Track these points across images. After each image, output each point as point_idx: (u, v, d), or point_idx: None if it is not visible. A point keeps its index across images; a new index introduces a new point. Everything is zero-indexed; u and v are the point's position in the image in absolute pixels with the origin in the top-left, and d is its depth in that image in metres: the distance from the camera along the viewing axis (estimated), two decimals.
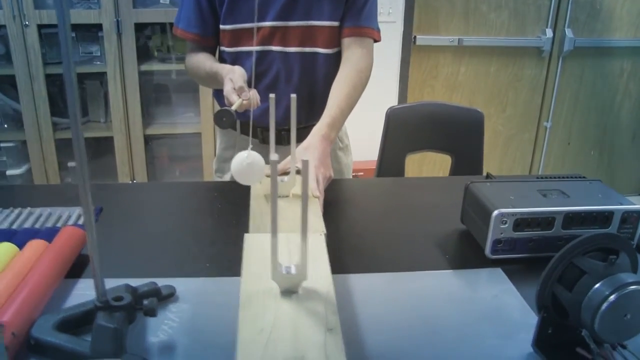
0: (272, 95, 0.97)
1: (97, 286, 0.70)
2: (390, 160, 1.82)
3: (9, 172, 2.74)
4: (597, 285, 0.65)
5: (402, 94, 2.98)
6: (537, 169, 3.42)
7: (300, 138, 1.15)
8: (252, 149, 1.43)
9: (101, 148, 2.88)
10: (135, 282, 0.80)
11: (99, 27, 2.52)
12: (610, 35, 3.20)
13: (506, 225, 0.92)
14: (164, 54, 2.78)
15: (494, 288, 0.88)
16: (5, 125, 2.76)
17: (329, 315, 0.66)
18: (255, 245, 0.83)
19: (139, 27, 2.58)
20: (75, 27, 2.54)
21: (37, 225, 1.05)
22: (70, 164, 2.91)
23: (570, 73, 3.24)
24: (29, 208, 1.11)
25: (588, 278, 0.66)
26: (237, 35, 1.36)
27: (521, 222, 0.92)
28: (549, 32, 3.10)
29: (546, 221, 0.93)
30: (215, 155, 1.64)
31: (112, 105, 2.66)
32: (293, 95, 0.94)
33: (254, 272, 0.75)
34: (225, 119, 1.08)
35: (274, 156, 0.64)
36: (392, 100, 2.95)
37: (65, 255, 0.88)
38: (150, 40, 2.79)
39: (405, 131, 1.82)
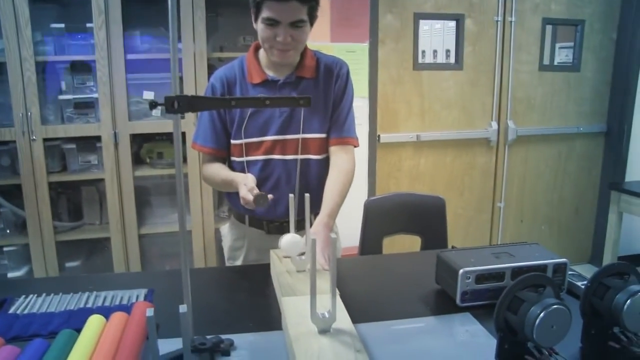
0: (291, 195, 1.32)
1: (186, 338, 0.98)
2: (370, 243, 2.15)
3: (10, 275, 2.88)
4: (532, 308, 0.97)
5: (372, 186, 3.32)
6: (495, 243, 3.77)
7: (299, 227, 1.45)
8: (258, 238, 1.76)
9: (97, 248, 3.07)
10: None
11: (97, 138, 2.77)
12: (546, 124, 3.69)
13: (470, 280, 1.25)
14: (154, 160, 3.02)
15: (465, 326, 1.20)
16: (8, 231, 2.91)
17: (355, 342, 0.97)
18: (291, 304, 1.14)
19: (132, 137, 2.82)
20: (76, 140, 2.81)
21: (107, 304, 1.32)
22: (69, 263, 3.09)
23: (516, 158, 3.68)
24: (95, 292, 1.38)
25: (526, 304, 0.98)
26: (246, 147, 1.67)
27: (481, 277, 1.25)
28: (494, 125, 3.55)
29: (499, 275, 1.26)
30: (219, 247, 1.91)
31: (109, 208, 2.85)
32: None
33: (295, 321, 1.06)
34: (262, 201, 1.42)
35: (314, 236, 0.96)
36: (363, 193, 3.29)
37: (144, 323, 1.15)
38: (142, 148, 3.04)
39: (381, 218, 2.15)
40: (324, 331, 1.01)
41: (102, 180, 2.85)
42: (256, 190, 1.47)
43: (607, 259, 3.45)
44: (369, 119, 3.24)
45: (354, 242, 2.19)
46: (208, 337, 1.06)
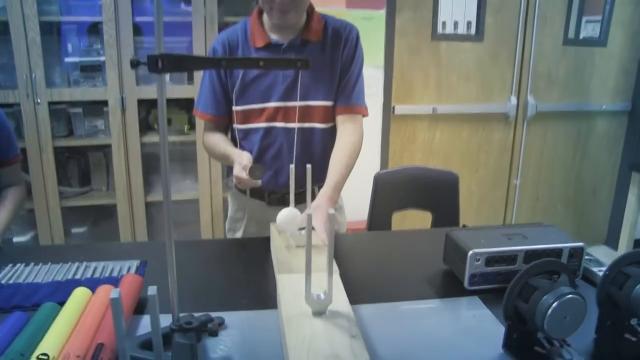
0: (292, 166, 1.24)
1: (173, 313, 0.92)
2: (379, 218, 2.08)
3: (15, 239, 2.86)
4: (544, 297, 0.89)
5: (384, 159, 3.25)
6: (510, 223, 3.69)
7: (301, 200, 1.39)
8: (259, 210, 1.70)
9: (103, 215, 3.04)
10: (191, 314, 1.02)
11: (104, 103, 2.72)
12: (567, 101, 3.56)
13: (479, 262, 1.17)
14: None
15: (472, 310, 1.12)
16: None
17: (351, 327, 0.90)
18: (286, 282, 1.07)
19: (140, 102, 2.77)
20: (82, 104, 2.76)
21: (96, 276, 1.27)
22: (75, 229, 3.08)
23: (534, 135, 3.57)
24: (85, 262, 1.33)
25: (538, 292, 0.91)
26: (247, 114, 1.61)
27: (491, 260, 1.17)
28: (514, 100, 3.44)
29: (510, 258, 1.18)
30: (227, 217, 1.86)
31: (115, 175, 2.82)
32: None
33: (290, 301, 0.99)
34: (257, 172, 1.37)
35: (309, 211, 0.89)
36: (376, 165, 3.22)
37: (132, 297, 1.10)
38: (150, 114, 2.99)
39: (390, 192, 2.08)
40: (318, 313, 0.94)
41: (109, 146, 2.82)
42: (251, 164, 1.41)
43: (624, 241, 3.36)
44: (384, 90, 3.15)
45: (363, 216, 2.12)
46: (197, 314, 1.00)
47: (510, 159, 3.59)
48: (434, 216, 2.11)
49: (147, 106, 2.94)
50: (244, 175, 1.39)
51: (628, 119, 3.71)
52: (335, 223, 1.35)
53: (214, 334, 0.95)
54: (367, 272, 1.33)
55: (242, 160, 1.43)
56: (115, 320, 0.73)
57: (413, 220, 2.95)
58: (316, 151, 1.64)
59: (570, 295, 0.88)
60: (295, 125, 1.59)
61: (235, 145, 1.68)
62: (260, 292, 1.19)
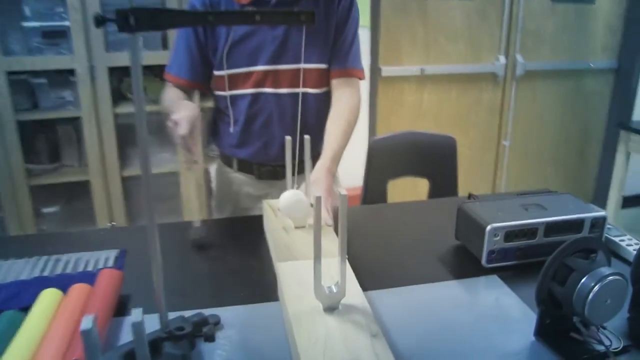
0: (288, 138, 1.11)
1: (162, 319, 0.80)
2: (374, 187, 1.97)
3: None
4: (584, 280, 0.79)
5: (372, 124, 3.14)
6: (500, 185, 3.63)
7: (297, 171, 1.24)
8: (248, 184, 1.57)
9: (76, 193, 2.86)
10: (181, 313, 0.90)
11: (71, 72, 2.51)
12: (555, 59, 3.47)
13: (498, 237, 1.06)
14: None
15: (494, 292, 1.02)
16: None
17: (370, 324, 0.79)
18: (288, 272, 0.95)
19: (112, 71, 2.58)
20: (46, 73, 2.55)
21: (68, 271, 1.11)
22: (46, 209, 2.91)
23: (523, 95, 3.48)
24: (54, 255, 1.18)
25: (576, 274, 0.81)
26: (233, 79, 1.46)
27: (510, 234, 1.07)
28: (502, 59, 3.33)
29: (531, 231, 1.08)
30: (209, 190, 1.73)
31: (88, 149, 2.63)
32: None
33: (295, 294, 0.88)
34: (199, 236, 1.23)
35: (316, 192, 0.77)
36: (363, 130, 3.11)
37: (110, 296, 0.97)
38: (122, 83, 2.79)
39: (386, 160, 1.97)
40: (330, 309, 0.83)
41: (79, 118, 2.61)
42: (183, 130, 1.19)
43: (613, 199, 3.32)
44: (370, 51, 3.03)
45: (355, 183, 2.01)
46: (187, 315, 0.89)
47: (500, 119, 3.50)
48: (431, 183, 2.01)
49: (118, 74, 2.75)
50: (178, 128, 1.20)
51: (614, 77, 3.65)
52: (334, 198, 1.22)
53: (210, 339, 0.83)
54: (371, 253, 1.21)
55: (179, 117, 1.22)
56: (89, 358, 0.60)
57: (408, 187, 2.85)
58: (310, 119, 1.51)
59: (612, 277, 0.78)
60: (286, 90, 1.46)
61: (219, 115, 1.55)
62: (258, 282, 1.07)
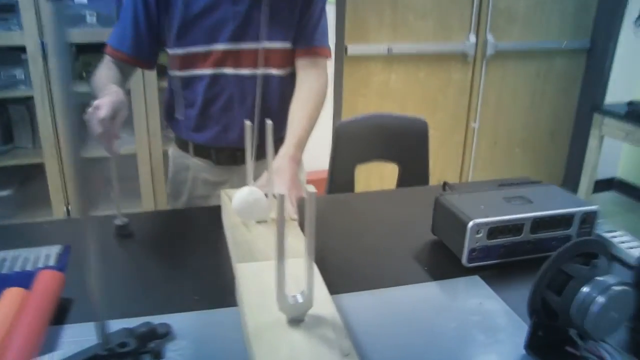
0: (248, 123, 0.98)
1: (101, 334, 0.68)
2: (341, 173, 1.86)
3: None
4: (584, 289, 0.70)
5: (338, 105, 3.02)
6: (468, 169, 3.56)
7: (257, 156, 1.13)
8: (205, 170, 1.44)
9: (30, 175, 2.74)
10: (126, 322, 0.78)
11: (21, 49, 2.36)
12: (527, 39, 3.39)
13: (481, 234, 0.97)
14: (92, 75, 2.67)
15: (476, 295, 0.93)
16: None
17: (341, 340, 0.69)
18: (249, 274, 0.84)
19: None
20: None
21: (3, 271, 0.99)
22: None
23: (493, 76, 3.39)
24: None
25: (575, 282, 0.72)
26: (189, 59, 1.33)
27: (494, 231, 0.98)
28: (472, 38, 3.23)
29: (516, 228, 0.99)
30: (167, 178, 1.60)
31: (41, 130, 2.50)
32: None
33: (255, 303, 0.76)
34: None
35: (280, 190, 0.65)
36: (328, 111, 2.99)
37: (48, 303, 0.85)
38: (77, 61, 2.66)
39: (353, 144, 1.86)
40: (296, 321, 0.72)
41: (31, 98, 2.47)
42: (103, 113, 1.05)
43: (585, 183, 3.29)
44: (336, 28, 2.88)
45: (320, 166, 1.90)
46: (132, 326, 0.77)
47: (469, 100, 3.41)
48: (400, 167, 1.91)
49: (73, 52, 2.59)
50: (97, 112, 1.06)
51: (587, 57, 3.58)
52: (298, 189, 1.11)
53: (157, 356, 0.71)
54: (339, 250, 1.10)
55: (109, 96, 1.09)
56: None
57: (377, 173, 2.76)
58: (273, 102, 1.39)
59: (617, 288, 0.69)
60: (248, 71, 1.33)
61: (174, 96, 1.42)
62: (214, 284, 0.95)
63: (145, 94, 2.53)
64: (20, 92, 2.49)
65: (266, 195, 1.02)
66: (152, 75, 2.45)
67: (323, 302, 0.76)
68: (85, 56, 2.64)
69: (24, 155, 2.65)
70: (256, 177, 1.12)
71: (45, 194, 2.64)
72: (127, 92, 1.35)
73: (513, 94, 3.50)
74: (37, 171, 2.64)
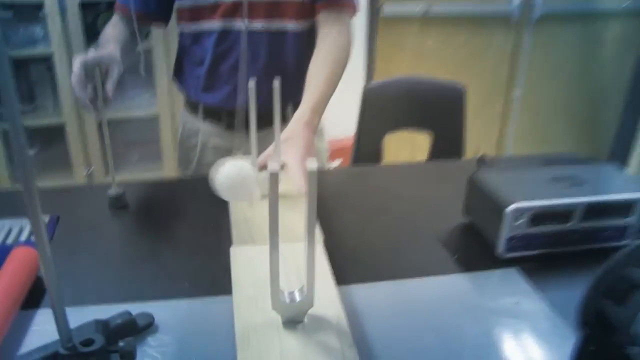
0: (251, 85, 0.84)
1: (60, 329, 0.57)
2: (368, 142, 1.72)
3: None
4: None
5: (369, 69, 2.86)
6: (506, 142, 3.37)
7: (267, 123, 1.00)
8: (216, 135, 1.32)
9: (53, 137, 2.67)
10: (103, 310, 0.68)
11: (38, 7, 2.30)
12: (579, 0, 3.13)
13: (522, 221, 0.82)
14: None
15: (513, 293, 0.78)
16: None
17: (345, 349, 0.56)
18: (244, 261, 0.72)
19: (85, 6, 2.38)
20: (13, 7, 2.35)
21: None
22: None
23: (539, 40, 3.15)
24: None
25: None
26: (196, 11, 1.22)
27: (538, 217, 0.83)
28: None
29: (564, 214, 0.84)
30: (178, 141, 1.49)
31: (60, 90, 2.45)
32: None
33: (247, 296, 0.64)
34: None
35: (273, 165, 0.52)
36: (359, 76, 2.84)
37: (20, 284, 0.75)
38: (98, 19, 2.54)
39: (383, 110, 1.71)
40: (293, 322, 0.60)
41: (51, 56, 2.40)
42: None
43: (636, 161, 3.07)
44: None
45: (346, 133, 1.77)
46: (107, 317, 0.65)
47: (511, 67, 3.20)
48: (433, 138, 1.76)
49: (93, 9, 2.49)
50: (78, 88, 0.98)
51: None
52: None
53: (129, 356, 0.60)
54: (355, 231, 0.97)
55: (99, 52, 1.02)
56: None
57: (407, 143, 2.60)
58: (288, 62, 1.25)
59: None
60: (261, 24, 1.20)
61: (184, 53, 1.30)
62: (211, 268, 0.83)
63: (167, 53, 2.42)
64: (40, 50, 2.43)
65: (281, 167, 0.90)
66: (173, 34, 2.34)
67: (328, 300, 0.63)
68: (105, 13, 2.55)
69: (46, 115, 2.61)
70: (268, 147, 1.00)
71: (67, 156, 2.59)
72: (139, 52, 1.28)
73: (560, 61, 3.26)
74: (59, 133, 2.60)
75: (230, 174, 0.85)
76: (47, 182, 2.61)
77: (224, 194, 0.86)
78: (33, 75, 2.61)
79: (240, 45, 1.21)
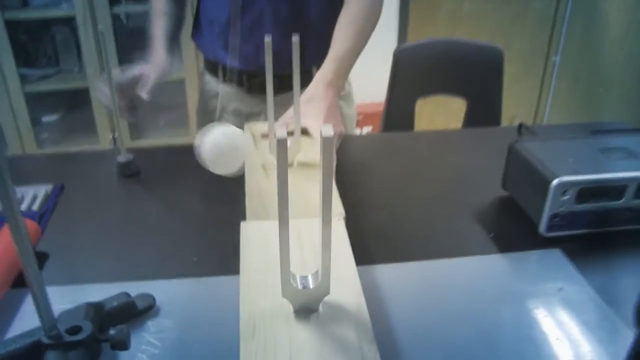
0: (267, 39, 0.76)
1: (41, 314, 0.51)
2: (399, 106, 1.63)
3: None
4: None
5: (403, 31, 2.74)
6: (544, 109, 3.22)
7: (287, 86, 0.92)
8: (236, 98, 1.25)
9: (77, 100, 2.66)
10: (100, 289, 0.62)
11: None
12: None
13: (568, 196, 0.73)
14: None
15: (556, 277, 0.70)
16: None
17: (364, 344, 0.49)
18: (255, 238, 0.65)
19: None
20: None
21: None
22: (45, 118, 2.71)
23: (580, 4, 2.99)
24: None
25: None
26: None
27: (585, 192, 0.74)
28: None
29: (616, 190, 0.75)
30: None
31: (84, 54, 2.41)
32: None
33: (256, 279, 0.57)
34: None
35: (280, 132, 0.44)
36: (392, 38, 2.72)
37: (12, 258, 0.69)
38: None
39: (415, 73, 1.61)
40: (306, 312, 0.53)
41: (74, 18, 2.35)
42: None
43: None
44: None
45: (377, 98, 1.68)
46: (102, 299, 0.59)
47: (551, 31, 3.03)
48: (469, 103, 1.66)
49: None
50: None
51: None
52: (336, 123, 0.89)
53: (120, 346, 0.54)
54: (383, 206, 0.89)
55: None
56: None
57: (441, 108, 2.49)
58: (313, 20, 1.16)
59: None
60: None
61: (203, 9, 1.22)
62: (222, 243, 0.76)
63: (193, 15, 2.35)
64: (62, 12, 2.39)
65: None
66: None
67: (347, 286, 0.56)
68: None
69: (70, 79, 2.58)
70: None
71: (91, 120, 2.56)
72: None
73: (603, 25, 3.08)
74: (84, 96, 2.56)
75: (218, 142, 0.76)
76: (73, 147, 2.59)
77: (212, 165, 0.78)
78: (57, 38, 2.56)
79: (261, 4, 1.13)
